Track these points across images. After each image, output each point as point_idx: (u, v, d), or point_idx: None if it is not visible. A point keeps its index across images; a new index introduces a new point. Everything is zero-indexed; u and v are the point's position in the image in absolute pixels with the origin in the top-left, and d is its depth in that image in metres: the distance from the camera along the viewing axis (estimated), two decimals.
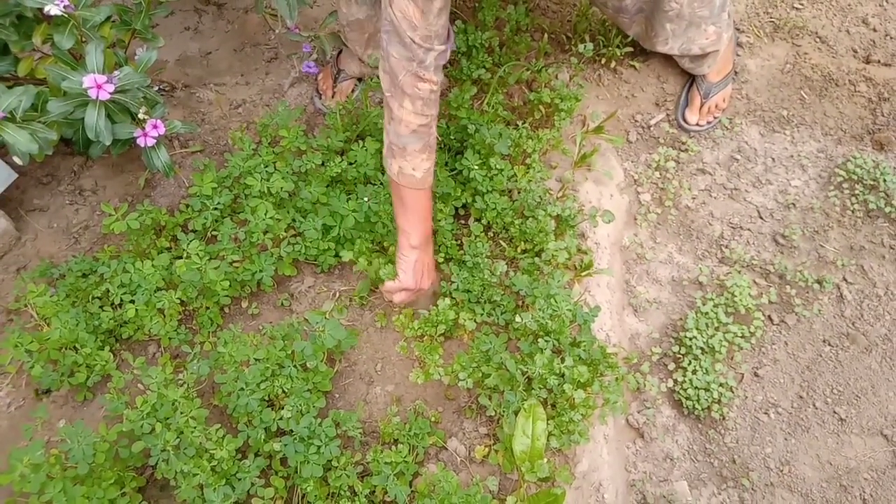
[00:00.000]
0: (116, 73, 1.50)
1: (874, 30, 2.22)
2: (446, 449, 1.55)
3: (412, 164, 1.44)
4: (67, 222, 1.88)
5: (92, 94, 1.44)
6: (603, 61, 2.11)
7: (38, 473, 1.33)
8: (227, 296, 1.67)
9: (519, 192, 1.80)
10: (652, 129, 2.07)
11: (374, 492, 1.44)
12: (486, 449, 1.50)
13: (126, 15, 1.74)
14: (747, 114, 2.09)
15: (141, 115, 1.58)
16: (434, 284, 1.64)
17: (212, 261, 1.61)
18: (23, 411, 1.62)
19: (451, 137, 1.87)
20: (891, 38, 2.19)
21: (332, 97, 2.08)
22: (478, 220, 1.80)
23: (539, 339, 1.46)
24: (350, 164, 1.80)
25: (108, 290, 1.61)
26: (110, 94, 1.46)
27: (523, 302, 1.64)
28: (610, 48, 2.07)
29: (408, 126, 1.41)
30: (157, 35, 1.78)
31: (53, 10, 1.42)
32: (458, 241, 1.79)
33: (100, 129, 1.48)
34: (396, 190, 1.49)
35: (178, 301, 1.63)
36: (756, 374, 1.69)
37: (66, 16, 1.46)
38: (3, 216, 1.78)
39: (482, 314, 1.64)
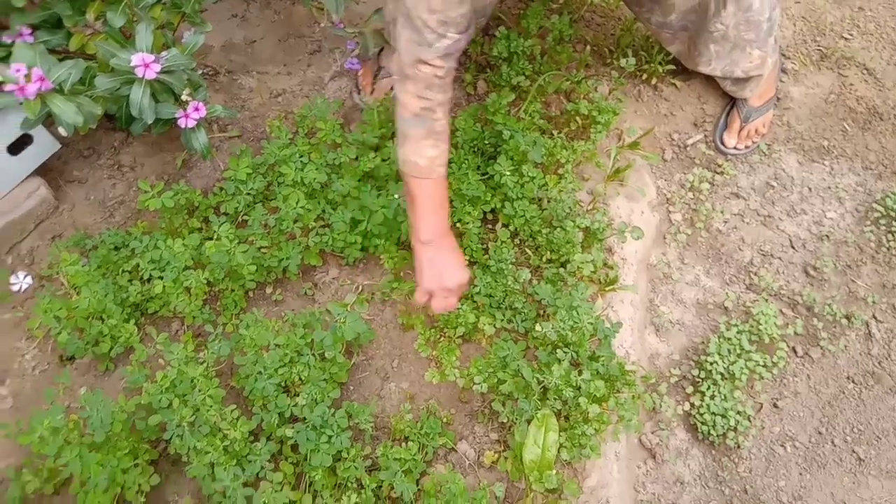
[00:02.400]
0: (164, 53, 1.53)
1: None
2: (456, 451, 1.55)
3: (415, 151, 1.38)
4: (104, 195, 1.92)
5: (139, 72, 1.47)
6: (644, 77, 2.10)
7: (56, 437, 1.36)
8: (252, 280, 1.69)
9: (549, 202, 1.80)
10: (688, 149, 2.05)
11: (380, 486, 1.45)
12: (496, 455, 1.50)
13: None
14: (787, 141, 2.06)
15: (184, 97, 1.61)
16: (462, 283, 1.46)
17: (241, 244, 1.63)
18: (47, 376, 1.66)
19: (486, 142, 1.88)
20: None
21: (371, 94, 2.10)
22: (505, 225, 1.80)
23: (558, 350, 1.46)
24: (383, 160, 1.81)
25: (139, 265, 1.64)
26: (156, 73, 1.49)
27: (545, 311, 1.64)
28: (652, 64, 2.06)
29: (409, 109, 1.37)
30: (205, 20, 1.81)
31: None
32: (485, 246, 1.80)
33: (143, 107, 1.51)
34: (405, 181, 1.42)
35: (205, 281, 1.66)
36: (775, 406, 1.67)
37: None
38: (43, 184, 1.83)
39: (502, 320, 1.64)
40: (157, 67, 1.49)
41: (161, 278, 1.61)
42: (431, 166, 1.39)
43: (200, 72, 2.18)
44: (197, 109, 1.64)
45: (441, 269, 1.42)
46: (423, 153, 1.38)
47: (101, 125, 2.04)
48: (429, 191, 1.41)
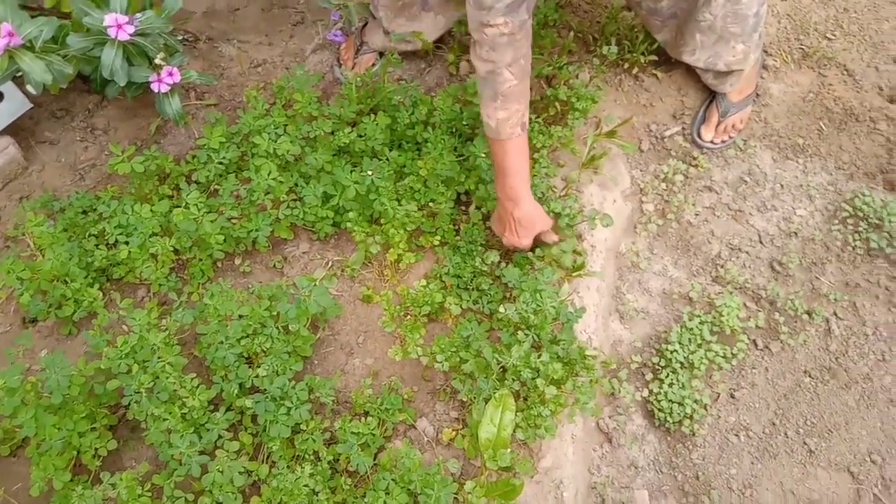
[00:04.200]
0: (139, 15, 1.51)
1: None
2: (415, 428, 1.56)
3: (486, 113, 1.45)
4: (75, 158, 1.90)
5: (111, 32, 1.45)
6: (626, 66, 2.10)
7: (12, 398, 1.35)
8: (220, 250, 1.69)
9: None
10: (665, 140, 2.06)
11: (337, 459, 1.46)
12: (454, 433, 1.51)
13: None
14: (763, 137, 2.08)
15: (158, 61, 1.59)
16: (543, 233, 1.61)
17: (209, 214, 1.63)
18: (8, 337, 1.65)
19: (464, 123, 1.87)
20: None
21: (352, 68, 2.09)
22: (478, 207, 1.81)
23: (519, 332, 1.47)
24: (360, 136, 1.80)
25: (105, 229, 1.63)
26: (130, 35, 1.48)
27: (511, 294, 1.65)
28: (635, 54, 2.06)
29: (478, 72, 1.43)
30: None
31: None
32: (457, 227, 1.80)
33: (115, 69, 1.50)
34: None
35: (172, 249, 1.65)
36: (732, 396, 1.70)
37: None
38: (13, 144, 1.80)
39: (468, 301, 1.65)
40: (131, 29, 1.47)
41: (127, 243, 1.61)
42: (500, 128, 1.45)
43: (180, 37, 2.15)
44: (171, 74, 1.63)
45: (512, 225, 1.56)
46: (493, 115, 1.44)
47: (75, 87, 2.01)
48: (500, 152, 1.48)
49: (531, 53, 1.48)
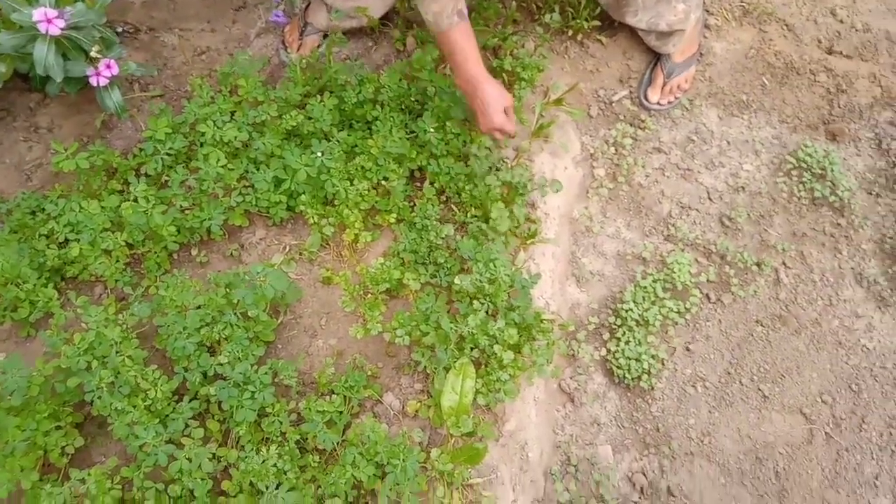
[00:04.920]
0: (69, 8, 1.48)
1: (841, 21, 2.24)
2: (381, 402, 1.59)
3: (422, 9, 1.52)
4: (20, 159, 1.87)
5: (41, 27, 1.42)
6: (570, 34, 2.12)
7: None
8: (175, 242, 1.68)
9: (474, 158, 1.82)
10: (613, 105, 2.09)
11: (305, 439, 1.49)
12: (419, 404, 1.54)
13: None
14: (708, 96, 2.11)
15: (93, 54, 1.57)
16: (509, 105, 1.65)
17: (159, 205, 1.62)
18: None
19: (412, 99, 1.88)
20: (856, 30, 2.22)
21: (297, 50, 2.07)
22: (432, 183, 1.82)
23: (475, 301, 1.50)
24: (308, 118, 1.80)
25: (54, 228, 1.61)
26: (61, 29, 1.45)
27: (467, 265, 1.68)
28: (578, 20, 2.08)
29: None
30: None
31: None
32: (412, 204, 1.82)
33: (49, 65, 1.47)
34: None
35: (125, 244, 1.64)
36: (688, 349, 1.75)
37: None
38: None
39: (426, 275, 1.67)
40: (62, 23, 1.45)
41: (77, 241, 1.59)
42: (437, 20, 1.52)
43: (119, 29, 2.12)
44: (109, 67, 1.60)
45: (482, 109, 1.60)
46: (428, 8, 1.51)
47: (15, 86, 1.97)
48: (446, 43, 1.55)
49: None
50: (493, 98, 1.60)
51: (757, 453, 1.66)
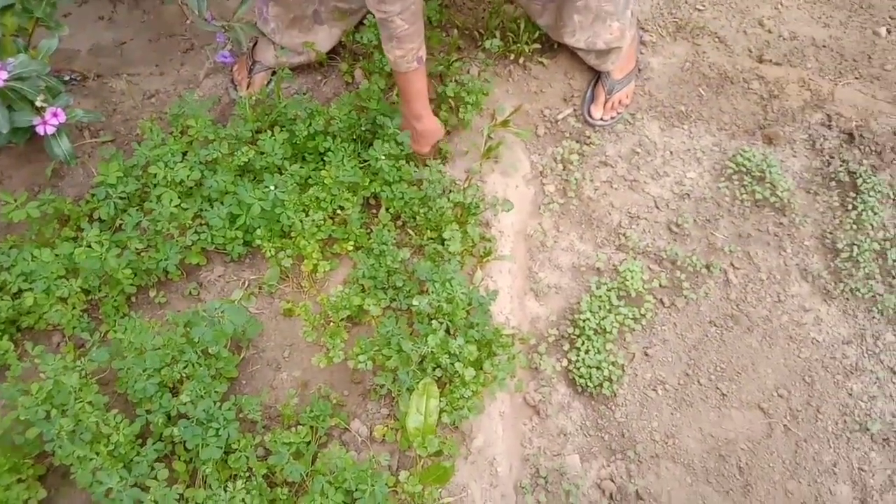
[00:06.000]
0: (11, 60, 1.49)
1: (769, 31, 2.36)
2: (349, 430, 1.60)
3: (385, 50, 1.67)
4: None
5: None
6: (513, 57, 2.19)
7: None
8: (131, 284, 1.68)
9: (429, 183, 1.86)
10: (559, 123, 2.15)
11: (274, 472, 1.48)
12: (386, 428, 1.55)
13: (28, 3, 1.72)
14: (649, 109, 2.20)
15: (39, 103, 1.58)
16: (439, 137, 1.92)
17: (113, 249, 1.62)
18: None
19: (363, 129, 1.92)
20: (783, 38, 2.33)
21: (247, 88, 2.10)
22: (387, 209, 1.85)
23: (433, 321, 1.53)
24: (260, 153, 1.82)
25: (6, 279, 1.60)
26: (4, 81, 1.46)
27: (425, 287, 1.70)
28: (519, 44, 2.15)
29: (377, 17, 1.62)
30: (60, 23, 1.77)
31: None
32: (368, 230, 1.84)
33: None
34: None
35: (81, 290, 1.63)
36: (646, 354, 1.80)
37: None
38: None
39: (385, 299, 1.69)
40: (4, 75, 1.46)
41: (31, 290, 1.58)
42: (398, 63, 1.68)
43: (67, 77, 2.12)
44: (55, 115, 1.61)
45: (423, 134, 1.87)
46: (390, 52, 1.66)
47: None
48: (402, 81, 1.74)
49: None
50: (429, 132, 1.87)
51: (720, 451, 1.70)
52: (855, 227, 1.96)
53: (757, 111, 2.20)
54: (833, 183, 2.04)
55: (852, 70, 2.24)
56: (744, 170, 2.05)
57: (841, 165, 2.05)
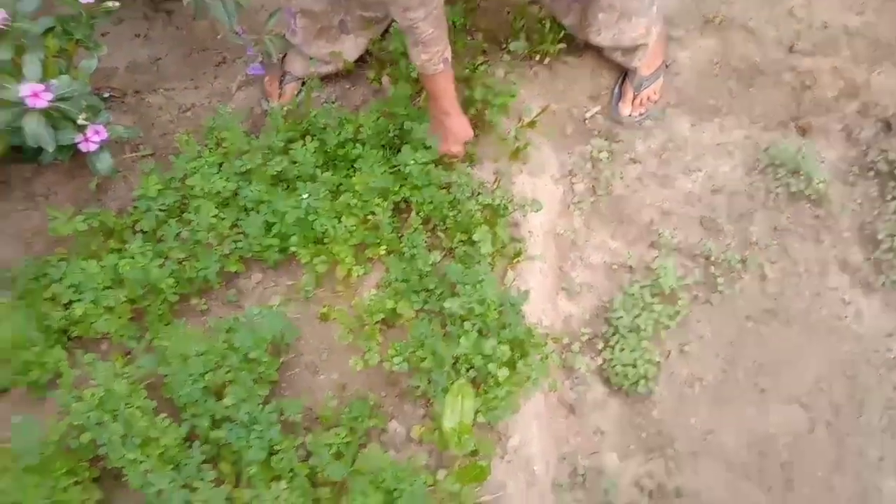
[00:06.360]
0: (54, 81, 1.56)
1: (800, 21, 2.32)
2: (387, 431, 1.63)
3: (412, 55, 1.71)
4: (19, 228, 1.93)
5: (29, 102, 1.50)
6: (538, 58, 2.19)
7: None
8: (174, 293, 1.74)
9: (456, 186, 1.88)
10: (587, 121, 2.16)
11: (316, 473, 1.52)
12: (423, 428, 1.58)
13: (68, 25, 1.79)
14: (678, 104, 2.18)
15: (80, 121, 1.64)
16: (468, 138, 1.89)
17: (155, 259, 1.67)
18: None
19: (391, 135, 1.95)
20: (815, 28, 2.29)
21: (279, 99, 2.15)
22: (417, 213, 1.88)
23: (465, 323, 1.55)
24: (292, 162, 1.87)
25: (57, 291, 1.67)
26: (49, 101, 1.52)
27: (457, 289, 1.72)
28: (544, 45, 2.16)
29: (399, 25, 1.67)
30: (99, 44, 1.84)
31: None
32: (399, 235, 1.87)
33: (40, 136, 1.54)
34: None
35: (127, 299, 1.69)
36: (682, 351, 1.79)
37: (5, 28, 1.52)
38: None
39: (418, 302, 1.72)
40: (49, 96, 1.52)
41: (80, 301, 1.65)
42: (424, 67, 1.70)
43: (107, 94, 2.20)
44: (97, 133, 1.68)
45: (445, 136, 1.85)
46: (416, 57, 1.69)
47: (11, 159, 2.04)
48: (429, 82, 1.77)
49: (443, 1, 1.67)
50: (459, 131, 1.84)
51: (760, 447, 1.69)
52: (895, 217, 1.92)
53: (789, 103, 2.17)
54: (871, 173, 2.00)
55: (888, 57, 2.19)
56: (777, 162, 2.02)
57: (879, 155, 2.01)
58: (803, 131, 2.12)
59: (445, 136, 1.86)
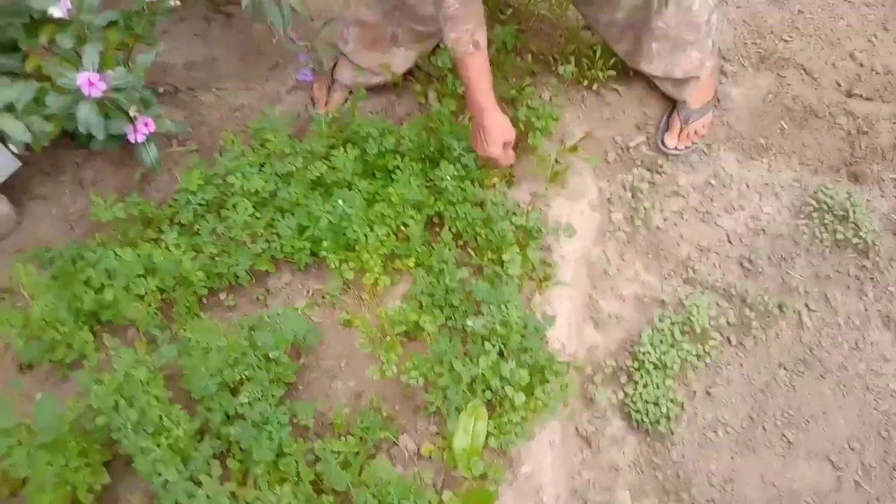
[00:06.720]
0: (110, 72, 1.61)
1: (861, 65, 2.25)
2: (397, 444, 1.61)
3: (444, 37, 1.66)
4: (65, 211, 2.00)
5: (84, 90, 1.55)
6: (586, 83, 2.18)
7: (6, 439, 1.42)
8: (204, 287, 1.76)
9: (491, 204, 1.87)
10: (631, 150, 2.12)
11: (322, 479, 1.51)
12: (433, 446, 1.56)
13: (130, 20, 1.86)
14: (726, 140, 2.14)
15: (132, 113, 1.69)
16: (511, 138, 1.77)
17: (188, 252, 1.70)
18: (6, 385, 1.73)
19: (431, 150, 1.95)
20: (876, 72, 2.23)
21: (325, 106, 2.18)
22: (449, 228, 1.87)
23: (486, 343, 1.52)
24: (331, 168, 1.89)
25: (91, 274, 1.71)
26: (103, 91, 1.57)
27: (481, 308, 1.70)
28: (594, 71, 2.14)
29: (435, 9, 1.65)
30: (157, 39, 1.90)
31: (56, 12, 1.54)
32: (430, 248, 1.87)
33: (91, 124, 1.59)
34: None
35: (157, 289, 1.73)
36: (708, 393, 1.73)
37: (69, 18, 1.58)
38: (4, 201, 1.90)
39: (442, 317, 1.71)
40: (104, 86, 1.57)
41: (112, 286, 1.68)
42: (454, 47, 1.65)
43: (162, 90, 2.27)
44: (146, 125, 1.72)
45: (482, 136, 1.73)
46: (447, 36, 1.64)
47: (63, 143, 2.12)
48: (461, 68, 1.69)
49: None
50: (494, 128, 1.72)
51: (782, 501, 1.61)
52: None
53: (843, 147, 2.10)
54: None
55: None
56: (825, 207, 1.96)
57: None
58: (855, 178, 2.05)
59: (481, 137, 1.74)
